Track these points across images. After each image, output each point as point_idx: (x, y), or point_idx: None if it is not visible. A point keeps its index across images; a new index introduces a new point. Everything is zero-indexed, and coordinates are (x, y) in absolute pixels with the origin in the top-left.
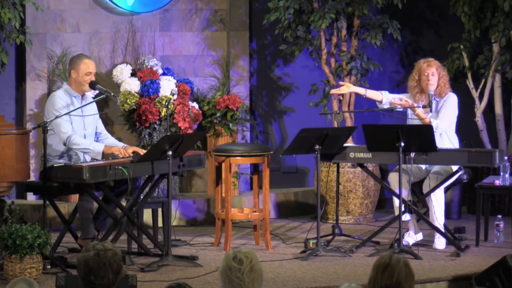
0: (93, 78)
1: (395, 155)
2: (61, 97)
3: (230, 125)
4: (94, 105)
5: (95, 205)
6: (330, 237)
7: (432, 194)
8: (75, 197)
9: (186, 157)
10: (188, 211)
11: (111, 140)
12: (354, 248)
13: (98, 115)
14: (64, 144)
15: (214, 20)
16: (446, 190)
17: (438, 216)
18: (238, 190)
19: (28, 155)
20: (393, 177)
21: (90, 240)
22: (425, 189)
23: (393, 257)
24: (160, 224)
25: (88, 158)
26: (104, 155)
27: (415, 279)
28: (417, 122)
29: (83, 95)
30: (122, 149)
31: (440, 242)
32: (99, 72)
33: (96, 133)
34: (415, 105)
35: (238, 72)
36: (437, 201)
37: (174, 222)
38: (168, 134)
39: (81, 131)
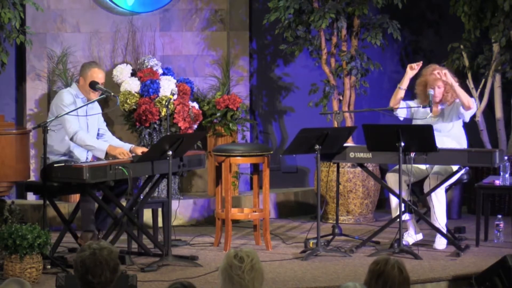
0: None
1: (395, 155)
2: (68, 94)
3: (230, 125)
4: (97, 106)
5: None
6: (330, 237)
7: (433, 194)
8: (75, 197)
9: (186, 157)
10: (188, 211)
11: (116, 142)
12: (354, 248)
13: (101, 117)
14: (71, 139)
15: (214, 20)
16: (447, 190)
17: (439, 216)
18: (238, 190)
19: (28, 155)
20: (390, 178)
21: (91, 234)
22: (426, 189)
23: (388, 263)
24: (160, 224)
25: (88, 157)
26: (108, 155)
27: (410, 282)
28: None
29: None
30: (131, 148)
31: (440, 242)
32: None
33: (98, 134)
34: (416, 106)
35: (238, 72)
36: (439, 201)
37: (174, 222)
38: (168, 134)
39: (85, 130)
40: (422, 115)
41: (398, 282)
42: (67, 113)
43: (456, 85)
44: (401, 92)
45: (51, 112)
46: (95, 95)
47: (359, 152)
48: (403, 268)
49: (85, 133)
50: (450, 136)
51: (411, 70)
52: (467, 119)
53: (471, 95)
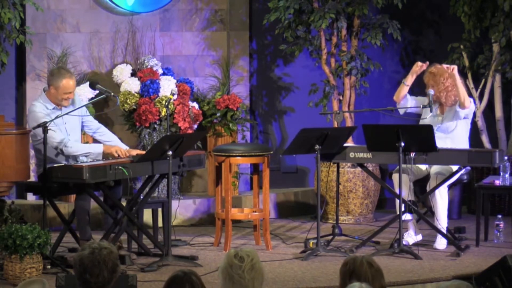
0: (72, 96)
1: (395, 155)
2: (41, 111)
3: (230, 125)
4: (78, 109)
5: (95, 205)
6: (330, 237)
7: (437, 193)
8: (75, 197)
9: (186, 157)
10: (188, 211)
11: (109, 135)
12: (354, 248)
13: (88, 115)
14: (56, 149)
15: (214, 20)
16: (448, 189)
17: (441, 216)
18: (238, 190)
19: (28, 155)
20: (396, 177)
21: (87, 242)
22: (429, 189)
23: (356, 261)
24: (160, 224)
25: (85, 158)
26: (104, 155)
27: (383, 275)
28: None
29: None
30: (124, 150)
31: (441, 242)
32: (99, 72)
33: (95, 132)
34: (415, 106)
35: (238, 72)
36: (442, 200)
37: (174, 222)
38: (168, 134)
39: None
40: (428, 115)
41: (371, 276)
42: (62, 115)
43: (458, 81)
44: (405, 88)
45: (28, 126)
46: (67, 102)
47: (359, 152)
48: (373, 262)
49: (73, 142)
50: (453, 136)
51: (417, 68)
52: (461, 117)
53: (470, 96)
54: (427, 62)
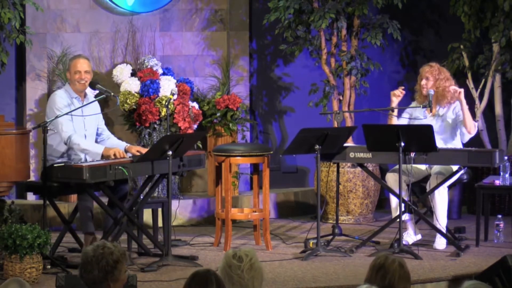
0: (83, 76)
1: (395, 155)
2: (62, 96)
3: (230, 125)
4: (96, 105)
5: (95, 205)
6: (330, 237)
7: (436, 193)
8: (75, 197)
9: (186, 157)
10: (188, 211)
11: (113, 140)
12: (354, 248)
13: (100, 115)
14: (65, 143)
15: (214, 20)
16: (448, 189)
17: (440, 216)
18: (238, 190)
19: (28, 155)
20: (389, 178)
21: (90, 235)
22: (429, 189)
23: (388, 258)
24: (160, 224)
25: (88, 158)
26: (104, 157)
27: (410, 280)
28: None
29: (85, 96)
30: (126, 148)
31: (440, 242)
32: (99, 72)
33: (97, 133)
34: (416, 106)
35: (238, 72)
36: (442, 200)
37: (174, 222)
38: (168, 134)
39: (81, 131)
40: (419, 115)
41: (398, 276)
42: (63, 115)
43: (465, 106)
44: (394, 118)
45: (47, 116)
46: (80, 85)
47: (359, 152)
48: (404, 264)
49: (79, 137)
50: (446, 138)
51: (396, 98)
52: (465, 140)
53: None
54: (403, 87)
